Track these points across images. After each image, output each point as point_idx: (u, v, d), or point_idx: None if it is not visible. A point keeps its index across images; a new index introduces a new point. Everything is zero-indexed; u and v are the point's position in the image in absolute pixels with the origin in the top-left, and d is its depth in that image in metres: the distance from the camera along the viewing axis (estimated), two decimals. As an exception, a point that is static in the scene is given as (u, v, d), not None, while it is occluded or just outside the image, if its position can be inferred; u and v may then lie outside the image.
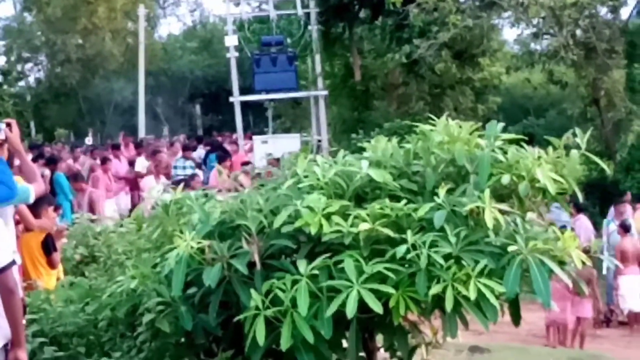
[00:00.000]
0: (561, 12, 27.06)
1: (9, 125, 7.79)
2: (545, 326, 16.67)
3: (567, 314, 16.26)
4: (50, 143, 36.67)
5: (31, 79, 50.92)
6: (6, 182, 7.10)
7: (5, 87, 42.74)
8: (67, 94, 46.44)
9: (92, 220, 14.51)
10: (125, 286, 7.08)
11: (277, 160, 14.19)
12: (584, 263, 6.27)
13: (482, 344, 14.34)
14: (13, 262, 5.91)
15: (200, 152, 29.33)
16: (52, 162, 22.57)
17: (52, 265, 12.04)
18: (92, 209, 19.68)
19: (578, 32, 28.33)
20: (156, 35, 55.26)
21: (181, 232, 6.62)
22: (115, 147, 27.51)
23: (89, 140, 39.84)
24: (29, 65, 50.41)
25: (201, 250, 6.44)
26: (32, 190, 7.99)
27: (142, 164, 24.69)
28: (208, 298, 6.58)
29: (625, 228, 18.13)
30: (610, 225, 20.25)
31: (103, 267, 11.40)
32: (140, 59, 37.20)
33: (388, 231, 6.10)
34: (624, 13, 31.66)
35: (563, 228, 7.23)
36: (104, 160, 23.40)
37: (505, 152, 6.72)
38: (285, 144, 26.56)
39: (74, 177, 21.60)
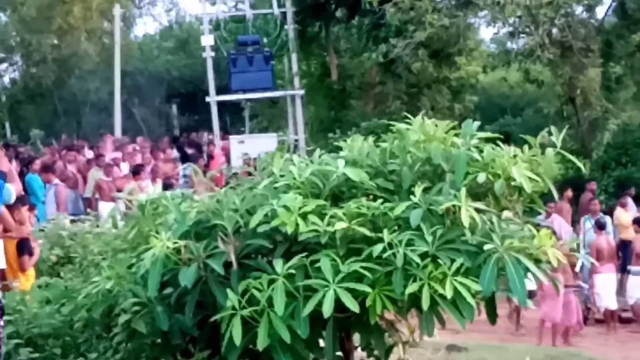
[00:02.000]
0: (537, 11, 27.15)
1: None
2: (540, 320, 16.75)
3: (558, 311, 16.39)
4: (26, 143, 36.39)
5: (6, 80, 50.64)
6: None
7: (-21, 88, 42.58)
8: (43, 95, 46.18)
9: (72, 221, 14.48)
10: (101, 287, 7.04)
11: (254, 160, 14.18)
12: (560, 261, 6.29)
13: (460, 343, 14.38)
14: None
15: (174, 152, 29.27)
16: (27, 163, 22.48)
17: (21, 268, 12.01)
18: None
19: (554, 31, 28.44)
20: (132, 35, 54.93)
21: (157, 232, 6.60)
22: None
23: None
24: (3, 66, 50.12)
25: (177, 251, 6.42)
26: (14, 190, 7.95)
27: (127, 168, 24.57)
28: (184, 298, 6.56)
29: (600, 226, 18.17)
30: (587, 223, 20.37)
31: (79, 268, 11.34)
32: (116, 59, 37.00)
33: (364, 230, 6.10)
34: (600, 12, 31.83)
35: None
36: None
37: (481, 151, 6.73)
38: (262, 143, 26.58)
39: (45, 168, 21.60)
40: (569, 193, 23.70)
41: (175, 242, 6.41)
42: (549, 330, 16.74)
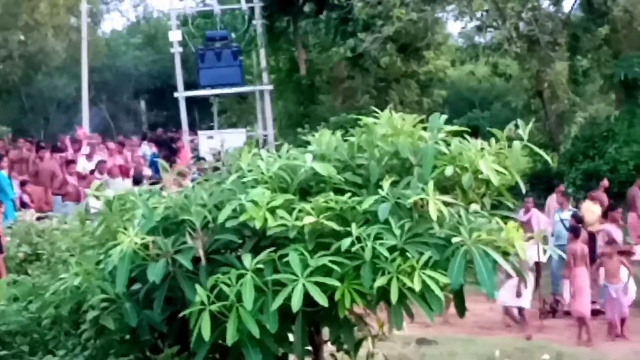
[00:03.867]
0: (504, 5, 27.26)
1: None
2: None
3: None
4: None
5: (-28, 77, 50.32)
6: None
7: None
8: (9, 91, 45.81)
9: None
10: (69, 283, 7.00)
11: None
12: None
13: (430, 336, 14.44)
14: None
15: (144, 148, 29.15)
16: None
17: None
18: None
19: (521, 24, 28.53)
20: (99, 31, 54.62)
21: (125, 228, 6.57)
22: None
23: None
24: (-30, 63, 49.81)
25: (145, 246, 6.40)
26: None
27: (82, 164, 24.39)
28: (153, 294, 6.54)
29: (575, 234, 18.03)
30: (556, 215, 20.45)
31: (46, 265, 11.25)
32: (83, 55, 36.76)
33: (333, 224, 6.10)
34: (566, 5, 32.00)
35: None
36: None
37: (448, 144, 6.75)
38: (230, 139, 26.48)
39: None
40: (605, 182, 23.96)
41: (143, 238, 6.39)
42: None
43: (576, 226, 18.29)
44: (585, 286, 17.07)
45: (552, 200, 22.39)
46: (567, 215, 20.32)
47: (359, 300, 6.07)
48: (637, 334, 16.80)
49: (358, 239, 6.01)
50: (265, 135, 31.19)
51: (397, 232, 6.08)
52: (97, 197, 7.33)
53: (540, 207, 21.85)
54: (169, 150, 28.58)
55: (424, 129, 6.91)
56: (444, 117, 6.97)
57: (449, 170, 6.50)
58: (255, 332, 5.97)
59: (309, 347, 6.93)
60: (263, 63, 32.21)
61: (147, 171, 24.85)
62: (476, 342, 15.07)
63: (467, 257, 6.06)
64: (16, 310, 7.97)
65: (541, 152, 7.37)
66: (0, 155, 23.30)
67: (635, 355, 15.43)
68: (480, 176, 6.63)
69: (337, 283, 5.94)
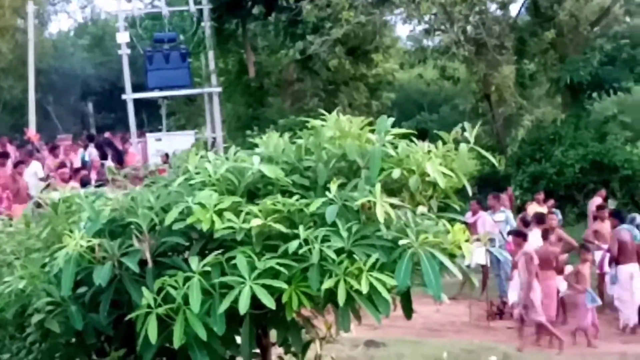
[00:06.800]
0: (452, 9, 27.47)
1: None
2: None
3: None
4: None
5: None
6: None
7: None
8: (-45, 93, 45.45)
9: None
10: (14, 287, 6.92)
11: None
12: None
13: (378, 339, 14.50)
14: None
15: (91, 150, 28.96)
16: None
17: None
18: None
19: (469, 28, 28.81)
20: (46, 32, 54.19)
21: (71, 231, 6.51)
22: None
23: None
24: None
25: (91, 249, 6.34)
26: None
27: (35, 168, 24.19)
28: (99, 297, 6.49)
29: (524, 237, 18.02)
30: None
31: (-9, 268, 11.14)
32: (29, 56, 36.36)
33: (280, 227, 6.10)
34: (513, 9, 32.33)
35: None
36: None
37: (395, 147, 6.77)
38: (179, 141, 26.48)
39: None
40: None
41: (89, 241, 6.33)
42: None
43: (521, 230, 18.36)
44: (554, 290, 17.13)
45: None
46: (499, 217, 20.64)
47: (306, 303, 6.06)
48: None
49: (305, 241, 6.00)
50: (214, 138, 31.18)
51: (345, 234, 6.09)
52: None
53: (487, 209, 22.00)
54: (115, 151, 28.47)
55: (372, 131, 6.92)
56: (392, 119, 6.99)
57: (396, 173, 6.52)
58: (203, 334, 5.94)
59: (257, 350, 6.92)
60: (212, 65, 32.19)
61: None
62: (424, 344, 15.16)
63: (414, 260, 6.07)
64: (-40, 314, 7.87)
65: (488, 155, 7.40)
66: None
67: (582, 357, 15.60)
68: (427, 179, 6.66)
69: (284, 285, 5.93)
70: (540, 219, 19.30)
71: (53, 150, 28.17)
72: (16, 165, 23.53)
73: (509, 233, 19.21)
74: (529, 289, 16.18)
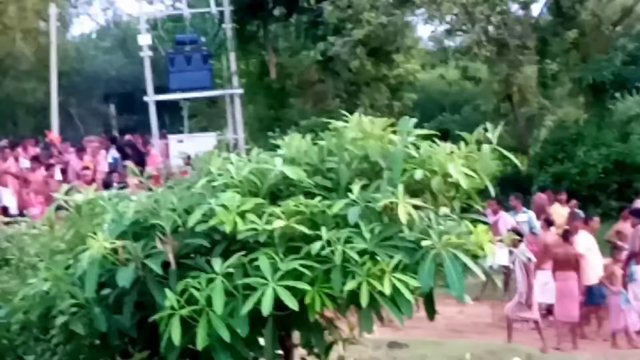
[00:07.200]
0: (473, 9, 27.44)
1: None
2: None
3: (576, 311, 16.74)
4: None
5: (-60, 81, 49.90)
6: None
7: None
8: (-23, 96, 45.64)
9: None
10: (38, 289, 6.96)
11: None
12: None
13: (400, 340, 14.47)
14: None
15: (113, 152, 29.04)
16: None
17: None
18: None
19: (490, 28, 28.75)
20: (69, 34, 54.37)
21: (94, 233, 6.53)
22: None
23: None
24: (-63, 67, 49.39)
25: (115, 251, 6.36)
26: None
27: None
28: (122, 299, 6.51)
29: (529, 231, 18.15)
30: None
31: (15, 270, 11.18)
32: (52, 59, 36.53)
33: (303, 228, 6.10)
34: (535, 9, 32.22)
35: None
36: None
37: (418, 148, 6.75)
38: (201, 143, 26.48)
39: None
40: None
41: (113, 243, 6.35)
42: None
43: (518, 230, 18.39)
44: (575, 291, 17.14)
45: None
46: (521, 218, 20.61)
47: (329, 304, 6.06)
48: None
49: (328, 242, 6.01)
50: (235, 139, 31.19)
51: (367, 235, 6.09)
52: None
53: (509, 209, 21.93)
54: (136, 153, 28.53)
55: (394, 132, 6.91)
56: (414, 120, 6.97)
57: (418, 174, 6.50)
58: (226, 336, 5.95)
59: (280, 351, 6.92)
60: (233, 67, 32.20)
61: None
62: (447, 345, 15.11)
63: (437, 261, 6.06)
64: (-16, 316, 7.90)
65: (510, 155, 7.38)
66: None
67: (604, 356, 15.53)
68: (449, 180, 6.64)
69: (307, 287, 5.94)
70: (550, 222, 19.38)
71: (79, 152, 28.22)
72: (47, 168, 23.60)
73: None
74: (529, 289, 16.44)
